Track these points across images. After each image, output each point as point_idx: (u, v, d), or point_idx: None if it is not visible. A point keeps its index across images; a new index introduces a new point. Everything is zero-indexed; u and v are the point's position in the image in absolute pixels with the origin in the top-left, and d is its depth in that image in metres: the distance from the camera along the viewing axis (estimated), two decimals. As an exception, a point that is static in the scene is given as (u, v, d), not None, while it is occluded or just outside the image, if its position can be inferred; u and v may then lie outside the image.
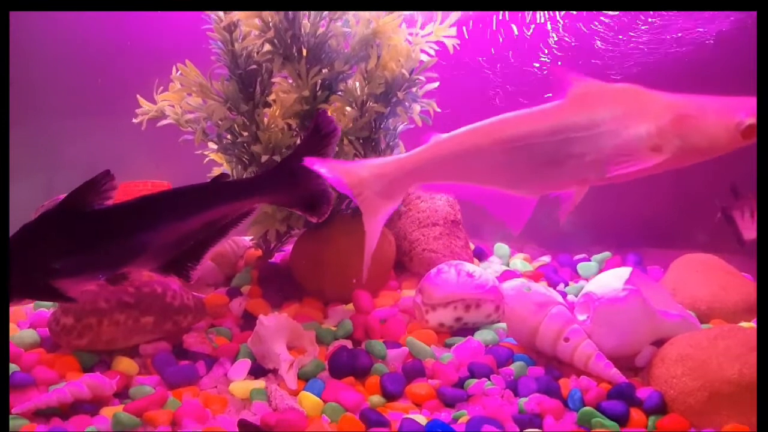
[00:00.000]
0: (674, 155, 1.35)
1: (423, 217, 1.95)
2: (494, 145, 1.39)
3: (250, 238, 1.94)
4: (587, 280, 1.91)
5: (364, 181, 1.44)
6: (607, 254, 2.00)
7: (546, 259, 2.04)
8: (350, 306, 1.79)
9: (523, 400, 1.44)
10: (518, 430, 1.38)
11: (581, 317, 1.54)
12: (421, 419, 1.40)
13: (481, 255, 2.04)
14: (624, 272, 1.51)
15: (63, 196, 2.03)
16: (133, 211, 1.39)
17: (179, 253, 1.38)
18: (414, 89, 1.74)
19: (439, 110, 1.80)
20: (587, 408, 1.41)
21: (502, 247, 2.05)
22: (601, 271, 1.93)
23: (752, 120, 1.33)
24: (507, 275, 1.88)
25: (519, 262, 2.00)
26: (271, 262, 1.94)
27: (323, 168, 1.42)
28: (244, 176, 1.84)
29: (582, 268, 1.96)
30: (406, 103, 1.74)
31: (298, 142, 1.79)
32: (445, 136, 1.43)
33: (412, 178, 1.45)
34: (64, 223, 1.34)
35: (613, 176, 1.38)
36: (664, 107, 1.35)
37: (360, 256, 1.85)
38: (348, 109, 1.77)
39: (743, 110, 1.34)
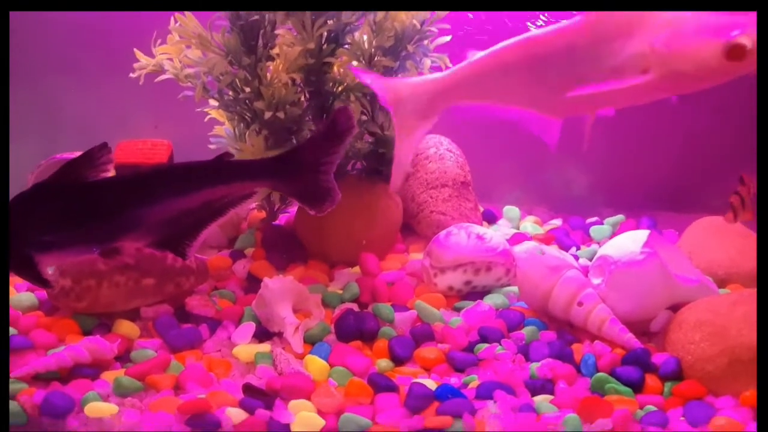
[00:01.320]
0: (663, 79, 1.27)
1: (432, 178, 1.89)
2: (519, 63, 1.38)
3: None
4: (600, 243, 1.86)
5: (403, 99, 1.45)
6: (620, 217, 1.94)
7: (557, 222, 1.98)
8: (356, 269, 1.74)
9: (534, 365, 1.41)
10: (530, 395, 1.35)
11: (595, 281, 1.50)
12: (431, 384, 1.37)
13: (490, 218, 1.98)
14: (641, 235, 1.46)
15: (59, 155, 2.01)
16: (128, 185, 1.35)
17: (176, 229, 1.35)
18: (425, 42, 1.66)
19: (451, 66, 1.73)
20: (601, 374, 1.37)
21: (511, 210, 1.99)
22: (614, 234, 1.88)
23: (741, 39, 1.19)
24: (517, 238, 1.83)
25: (530, 225, 1.94)
26: (275, 224, 1.88)
27: (369, 79, 1.47)
28: (246, 134, 1.78)
29: (594, 231, 1.90)
30: (417, 57, 1.67)
31: (302, 99, 1.72)
32: (480, 53, 1.42)
33: (449, 97, 1.45)
34: (57, 195, 1.31)
35: (601, 96, 1.33)
36: (661, 25, 1.26)
37: (366, 219, 1.80)
38: (354, 63, 1.70)
39: (736, 27, 1.21)
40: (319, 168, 1.38)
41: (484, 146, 1.99)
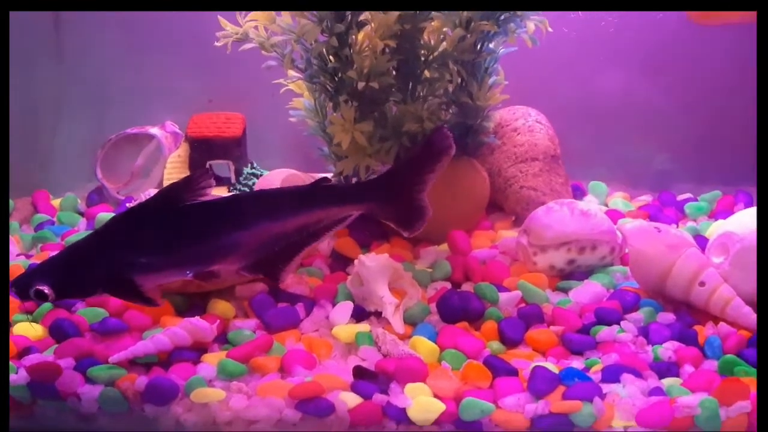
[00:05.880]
0: None
1: (521, 151, 1.80)
2: None
3: (332, 174, 1.81)
4: (696, 221, 1.78)
5: None
6: (716, 193, 1.85)
7: (646, 198, 1.90)
8: (443, 247, 1.67)
9: (658, 348, 1.34)
10: (658, 378, 1.29)
11: (716, 260, 1.43)
12: (552, 367, 1.31)
13: (576, 193, 1.90)
14: None
15: (130, 130, 1.93)
16: (225, 209, 1.32)
17: (269, 253, 1.32)
18: (528, 5, 1.56)
19: (550, 29, 1.64)
20: (729, 356, 1.31)
21: (598, 185, 1.91)
22: (712, 211, 1.81)
23: None
24: (610, 216, 1.74)
25: (620, 201, 1.86)
26: (354, 200, 1.82)
27: None
28: (327, 106, 1.71)
29: (690, 208, 1.82)
30: (519, 19, 1.57)
31: (392, 68, 1.64)
32: None
33: None
34: (155, 217, 1.28)
35: None
36: None
37: (451, 194, 1.73)
38: (445, 29, 1.61)
39: None
40: (414, 188, 1.38)
41: (565, 117, 1.91)
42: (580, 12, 1.76)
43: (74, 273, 1.24)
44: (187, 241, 1.28)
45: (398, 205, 1.38)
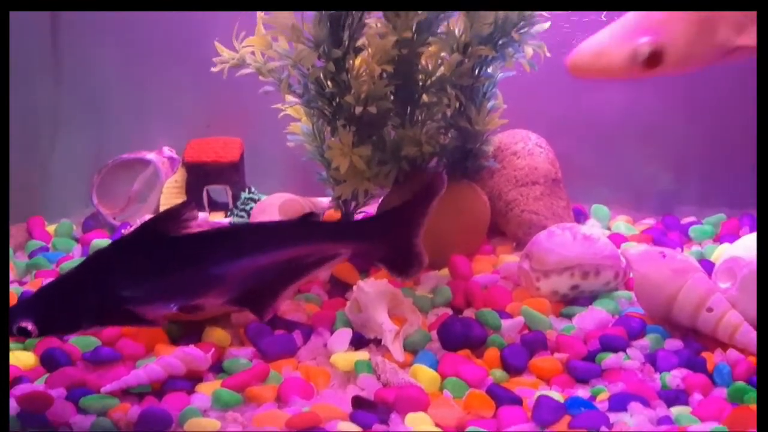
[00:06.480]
0: None
1: (521, 175, 1.78)
2: None
3: (329, 199, 1.79)
4: (702, 245, 1.76)
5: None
6: (721, 216, 1.83)
7: (650, 221, 1.88)
8: (444, 272, 1.65)
9: (666, 375, 1.31)
10: (666, 407, 1.25)
11: (723, 285, 1.40)
12: (557, 396, 1.27)
13: (577, 217, 1.88)
14: (776, 234, 1.36)
15: (126, 155, 1.92)
16: (212, 242, 1.29)
17: (256, 287, 1.29)
18: (525, 29, 1.56)
19: (549, 54, 1.63)
20: (740, 383, 1.27)
21: (600, 209, 1.89)
22: (717, 235, 1.78)
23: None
24: (614, 240, 1.72)
25: (623, 225, 1.84)
26: (352, 225, 1.79)
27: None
28: (325, 130, 1.69)
29: (695, 231, 1.79)
30: (517, 44, 1.56)
31: (389, 93, 1.63)
32: None
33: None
34: (139, 250, 1.26)
35: None
36: None
37: (452, 218, 1.71)
38: (442, 54, 1.60)
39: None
40: (411, 232, 1.35)
41: (566, 140, 1.89)
42: (581, 30, 1.75)
43: (57, 309, 1.21)
44: (171, 274, 1.25)
45: (393, 248, 1.35)
